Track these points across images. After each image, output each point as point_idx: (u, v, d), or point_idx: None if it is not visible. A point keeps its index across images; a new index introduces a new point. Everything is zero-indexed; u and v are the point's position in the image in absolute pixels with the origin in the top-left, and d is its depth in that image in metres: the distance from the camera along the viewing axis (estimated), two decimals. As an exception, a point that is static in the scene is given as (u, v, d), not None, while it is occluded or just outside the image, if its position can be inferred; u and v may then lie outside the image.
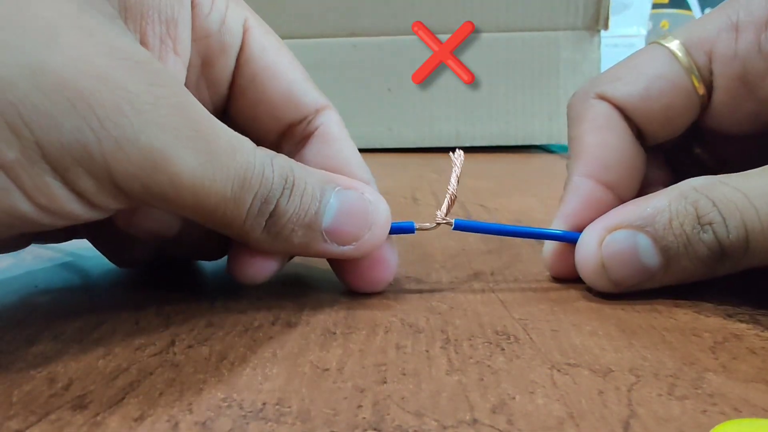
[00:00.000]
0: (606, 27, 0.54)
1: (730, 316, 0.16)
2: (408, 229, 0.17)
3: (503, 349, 0.14)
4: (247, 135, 0.14)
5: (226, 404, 0.11)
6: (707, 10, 1.01)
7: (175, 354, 0.13)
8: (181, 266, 0.20)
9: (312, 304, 0.17)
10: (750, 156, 0.17)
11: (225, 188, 0.13)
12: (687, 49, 0.18)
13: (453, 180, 0.17)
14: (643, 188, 0.19)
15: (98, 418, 0.11)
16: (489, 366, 0.13)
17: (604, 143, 0.18)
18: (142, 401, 0.11)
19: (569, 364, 0.13)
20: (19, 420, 0.11)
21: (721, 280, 0.17)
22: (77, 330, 0.15)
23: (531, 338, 0.14)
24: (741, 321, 0.15)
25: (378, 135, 0.57)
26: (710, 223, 0.15)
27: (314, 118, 0.17)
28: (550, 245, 0.19)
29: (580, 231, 0.17)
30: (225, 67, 0.17)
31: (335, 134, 0.17)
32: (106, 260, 0.20)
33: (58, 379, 0.12)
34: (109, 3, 0.13)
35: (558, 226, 0.18)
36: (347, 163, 0.17)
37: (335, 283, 0.18)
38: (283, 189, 0.14)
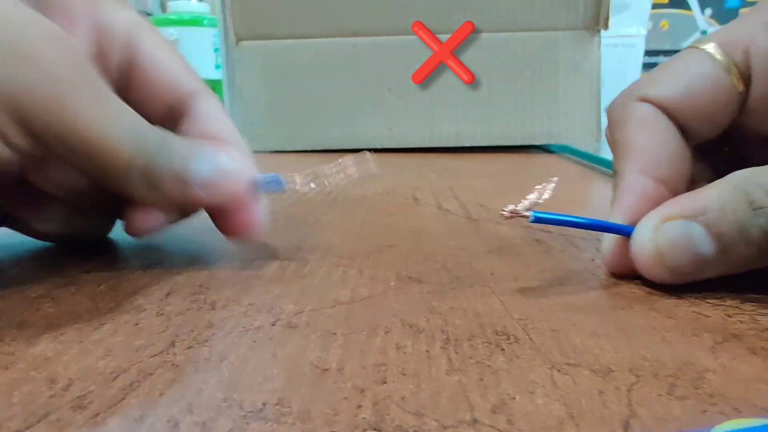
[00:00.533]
0: (606, 27, 0.54)
1: (729, 316, 0.16)
2: (275, 182, 0.20)
3: (503, 349, 0.14)
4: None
5: (226, 404, 0.11)
6: (707, 10, 1.02)
7: (175, 354, 0.13)
8: (182, 266, 0.20)
9: (312, 305, 0.17)
10: None
11: (112, 141, 0.16)
12: (723, 48, 0.19)
13: (544, 195, 0.18)
14: (690, 186, 0.20)
15: (98, 418, 0.11)
16: (489, 366, 0.13)
17: (654, 141, 0.19)
18: (143, 402, 0.11)
19: (569, 364, 0.13)
20: (19, 420, 0.11)
21: (720, 281, 0.17)
22: (77, 331, 0.15)
23: (531, 338, 0.14)
24: (741, 321, 0.15)
25: (378, 135, 0.57)
26: (761, 207, 0.15)
27: (190, 99, 0.21)
28: (608, 242, 0.19)
29: None
30: (116, 57, 0.20)
31: (206, 111, 0.21)
32: (54, 248, 0.22)
33: (58, 379, 0.12)
34: None
35: (615, 222, 0.19)
36: (216, 132, 0.20)
37: (336, 284, 0.18)
38: (158, 147, 0.17)
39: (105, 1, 0.20)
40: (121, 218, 0.22)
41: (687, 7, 1.01)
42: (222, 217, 0.20)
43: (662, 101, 0.19)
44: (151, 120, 0.21)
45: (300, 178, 0.20)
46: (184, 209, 0.20)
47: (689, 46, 0.20)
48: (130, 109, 0.17)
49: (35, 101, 0.15)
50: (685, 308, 0.16)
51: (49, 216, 0.21)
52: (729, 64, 0.19)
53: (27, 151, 0.15)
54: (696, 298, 0.17)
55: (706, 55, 0.19)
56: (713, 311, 0.16)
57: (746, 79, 0.19)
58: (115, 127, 0.16)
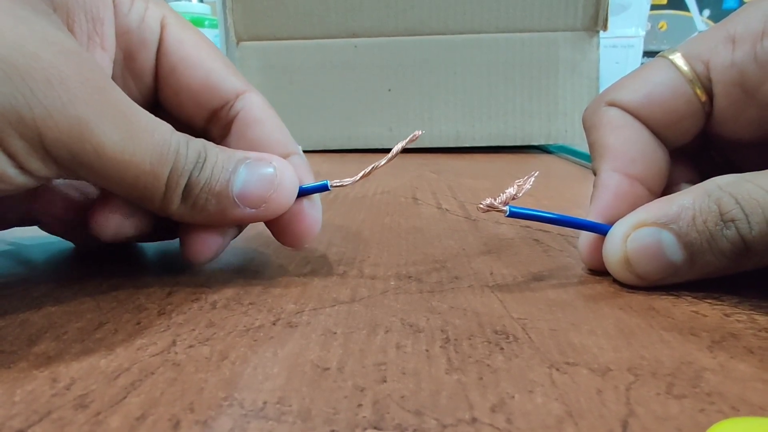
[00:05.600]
0: (605, 28, 0.54)
1: (727, 315, 0.16)
2: (323, 187, 0.18)
3: (502, 349, 0.14)
4: (176, 122, 0.16)
5: (227, 403, 0.11)
6: (705, 12, 1.02)
7: (176, 354, 0.13)
8: (183, 265, 0.20)
9: (313, 305, 0.17)
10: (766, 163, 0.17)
11: (144, 161, 0.15)
12: (687, 60, 0.19)
13: (516, 190, 0.17)
14: (672, 187, 0.20)
15: (100, 417, 0.11)
16: (488, 365, 0.13)
17: (625, 140, 0.20)
18: (144, 400, 0.11)
19: (568, 363, 0.13)
20: (21, 419, 0.11)
21: (719, 280, 0.17)
22: (79, 330, 0.15)
23: (530, 338, 0.14)
24: (739, 320, 0.15)
25: (378, 135, 0.57)
26: (733, 220, 0.16)
27: (235, 102, 0.19)
28: (584, 238, 0.19)
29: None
30: (146, 60, 0.18)
31: (255, 116, 0.19)
32: (56, 248, 0.21)
33: (59, 378, 0.12)
34: (41, 1, 0.14)
35: (592, 220, 0.19)
36: (267, 140, 0.19)
37: (337, 284, 0.19)
38: (196, 163, 0.16)
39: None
40: (162, 238, 0.21)
41: (685, 8, 1.01)
42: (276, 226, 0.19)
43: (627, 105, 0.20)
44: (196, 127, 0.19)
45: (350, 179, 0.19)
46: (238, 225, 0.19)
47: (659, 55, 0.20)
48: (162, 122, 0.15)
49: (55, 126, 0.13)
50: (683, 308, 0.16)
51: (88, 238, 0.20)
52: (692, 74, 0.19)
53: (50, 177, 0.14)
54: (694, 297, 0.17)
55: (671, 65, 0.20)
56: (711, 311, 0.16)
57: (709, 91, 0.19)
58: (146, 146, 0.14)
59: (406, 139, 0.18)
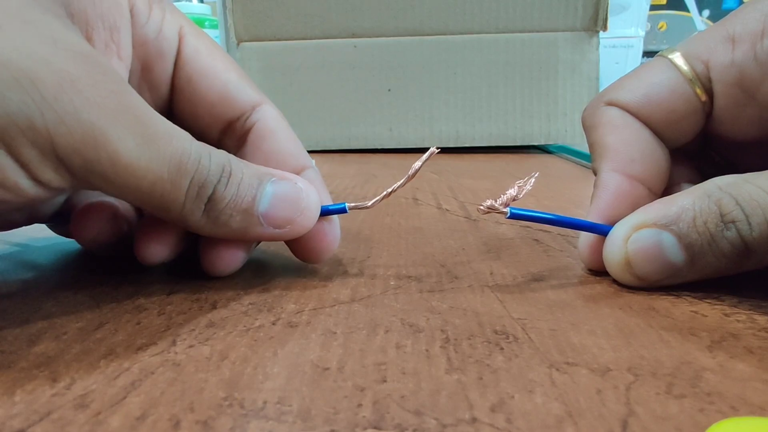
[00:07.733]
0: (605, 28, 0.54)
1: (727, 315, 0.16)
2: (341, 210, 0.18)
3: (502, 349, 0.14)
4: (191, 133, 0.16)
5: (227, 403, 0.11)
6: (705, 12, 1.02)
7: (176, 354, 0.13)
8: (183, 266, 0.20)
9: (313, 305, 0.17)
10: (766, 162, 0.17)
11: (161, 170, 0.14)
12: (687, 59, 0.19)
13: (517, 191, 0.17)
14: (673, 187, 0.20)
15: (100, 416, 0.11)
16: (488, 365, 0.13)
17: (624, 139, 0.20)
18: (144, 400, 0.11)
19: (568, 363, 0.13)
20: (21, 419, 0.11)
21: (718, 280, 0.17)
22: (79, 330, 0.15)
23: (530, 337, 0.14)
24: (738, 320, 0.15)
25: (378, 135, 0.57)
26: (733, 222, 0.16)
27: (251, 114, 0.19)
28: (584, 239, 0.19)
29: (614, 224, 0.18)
30: (163, 71, 0.18)
31: (271, 128, 0.19)
32: (56, 248, 0.21)
33: (60, 378, 0.12)
34: (56, 5, 0.14)
35: (592, 221, 0.19)
36: (282, 153, 0.19)
37: (337, 284, 0.19)
38: (221, 177, 0.15)
39: (148, 8, 0.18)
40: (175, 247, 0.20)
41: (685, 9, 1.01)
42: (294, 243, 0.19)
43: (627, 105, 0.20)
44: (210, 138, 0.19)
45: (368, 202, 0.18)
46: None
47: (658, 54, 0.20)
48: (180, 129, 0.15)
49: (68, 132, 0.12)
50: (683, 307, 0.16)
51: (94, 238, 0.20)
52: (692, 74, 0.19)
53: (63, 188, 0.14)
54: (694, 297, 0.17)
55: (671, 65, 0.20)
56: (711, 310, 0.16)
57: (709, 90, 0.19)
58: (163, 153, 0.14)
59: (422, 158, 0.18)
